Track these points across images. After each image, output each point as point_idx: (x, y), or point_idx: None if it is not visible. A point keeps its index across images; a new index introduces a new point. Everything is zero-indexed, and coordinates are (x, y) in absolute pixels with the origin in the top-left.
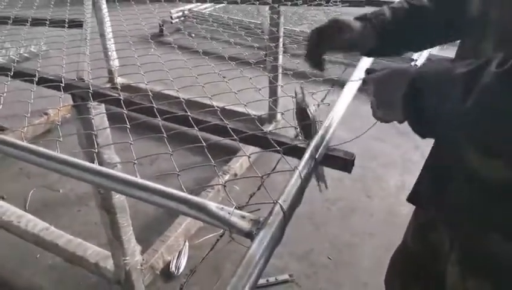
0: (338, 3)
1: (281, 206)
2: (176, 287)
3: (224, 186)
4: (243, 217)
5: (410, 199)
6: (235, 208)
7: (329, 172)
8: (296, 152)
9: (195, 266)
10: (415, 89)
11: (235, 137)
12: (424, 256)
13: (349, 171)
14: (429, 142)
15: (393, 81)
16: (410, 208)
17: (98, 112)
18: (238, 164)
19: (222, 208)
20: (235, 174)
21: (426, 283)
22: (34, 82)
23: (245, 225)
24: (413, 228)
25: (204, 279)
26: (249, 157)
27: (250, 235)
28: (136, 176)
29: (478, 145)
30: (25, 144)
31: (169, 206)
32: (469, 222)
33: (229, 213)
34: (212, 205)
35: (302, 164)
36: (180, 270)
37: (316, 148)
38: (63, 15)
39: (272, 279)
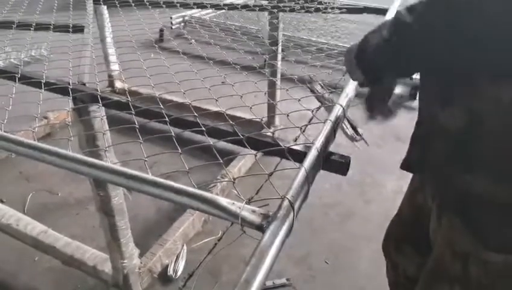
0: (336, 9)
1: (289, 201)
2: None
3: (233, 182)
4: (253, 211)
5: (402, 166)
6: (245, 202)
7: (327, 177)
8: (298, 156)
9: (193, 269)
10: (360, 50)
11: (241, 137)
12: (413, 217)
13: (345, 174)
14: None
15: (350, 51)
16: None
17: (98, 116)
18: (237, 169)
19: (233, 203)
20: (234, 179)
21: (416, 241)
22: (42, 85)
23: (256, 218)
24: (406, 196)
25: (202, 282)
26: (255, 155)
27: (261, 229)
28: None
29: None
30: (38, 144)
31: (182, 202)
32: (445, 168)
33: (239, 208)
34: (224, 200)
35: (307, 162)
36: (178, 273)
37: (318, 148)
38: (65, 20)
39: (269, 283)
